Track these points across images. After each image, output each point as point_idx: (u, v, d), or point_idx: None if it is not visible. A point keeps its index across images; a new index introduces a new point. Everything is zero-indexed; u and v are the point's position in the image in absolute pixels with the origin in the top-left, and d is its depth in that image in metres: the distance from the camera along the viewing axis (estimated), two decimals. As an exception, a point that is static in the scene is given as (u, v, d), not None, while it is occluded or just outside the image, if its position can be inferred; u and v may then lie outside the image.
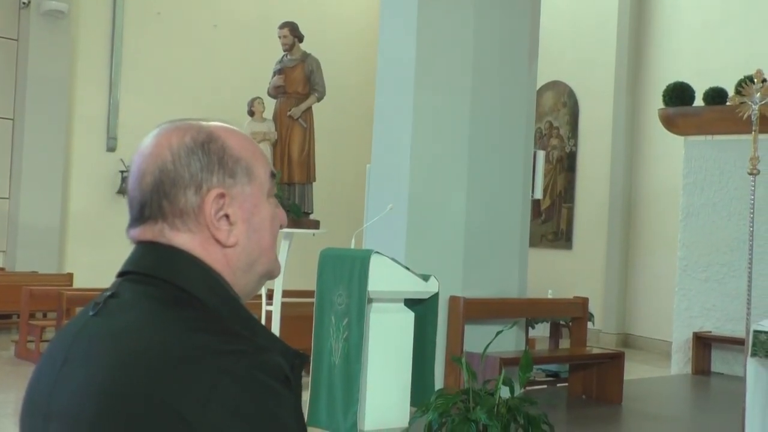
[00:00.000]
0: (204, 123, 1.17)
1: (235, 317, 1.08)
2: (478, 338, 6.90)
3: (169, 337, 1.02)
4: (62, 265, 12.56)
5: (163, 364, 0.99)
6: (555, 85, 14.45)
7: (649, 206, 13.51)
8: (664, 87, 10.64)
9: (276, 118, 7.90)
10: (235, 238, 1.13)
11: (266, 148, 7.52)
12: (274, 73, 7.77)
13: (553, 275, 13.22)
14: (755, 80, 5.81)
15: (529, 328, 8.41)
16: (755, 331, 5.62)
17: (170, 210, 1.11)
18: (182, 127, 1.15)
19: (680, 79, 10.49)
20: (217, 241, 1.12)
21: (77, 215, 12.85)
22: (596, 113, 14.09)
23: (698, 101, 10.20)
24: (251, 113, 7.99)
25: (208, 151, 1.13)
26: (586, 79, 14.17)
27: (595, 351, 8.24)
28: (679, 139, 10.97)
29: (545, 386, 8.55)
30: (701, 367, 9.68)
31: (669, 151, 12.82)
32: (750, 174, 5.74)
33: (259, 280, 1.19)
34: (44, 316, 10.66)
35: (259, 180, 1.17)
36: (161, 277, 1.09)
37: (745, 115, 5.84)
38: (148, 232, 1.13)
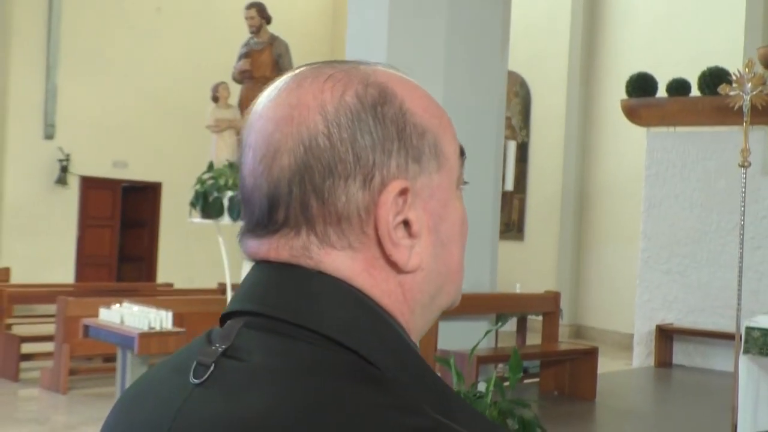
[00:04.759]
0: (366, 68, 0.74)
1: (430, 393, 0.68)
2: (448, 335, 6.67)
3: None
4: (-4, 259, 11.89)
5: None
6: (507, 75, 14.29)
7: (603, 197, 13.49)
8: (617, 78, 10.56)
9: (242, 104, 7.45)
10: (418, 258, 0.72)
11: (232, 138, 7.07)
12: (240, 57, 7.33)
13: (504, 267, 13.04)
14: (746, 70, 5.68)
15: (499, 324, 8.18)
16: (748, 328, 5.51)
17: (321, 213, 0.70)
18: (338, 76, 0.72)
19: (633, 71, 10.41)
20: (391, 264, 0.71)
21: (13, 206, 12.17)
22: (549, 104, 14.01)
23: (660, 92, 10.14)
24: (215, 99, 7.54)
25: (383, 118, 0.71)
26: (539, 69, 14.07)
27: (568, 347, 8.09)
28: (633, 130, 10.91)
29: (513, 382, 8.36)
30: (663, 359, 9.65)
31: (623, 142, 12.81)
32: (741, 167, 5.60)
33: (436, 316, 0.79)
34: (-21, 314, 10.01)
35: (449, 164, 0.76)
36: (313, 328, 0.68)
37: (737, 106, 5.71)
38: (284, 247, 0.71)
